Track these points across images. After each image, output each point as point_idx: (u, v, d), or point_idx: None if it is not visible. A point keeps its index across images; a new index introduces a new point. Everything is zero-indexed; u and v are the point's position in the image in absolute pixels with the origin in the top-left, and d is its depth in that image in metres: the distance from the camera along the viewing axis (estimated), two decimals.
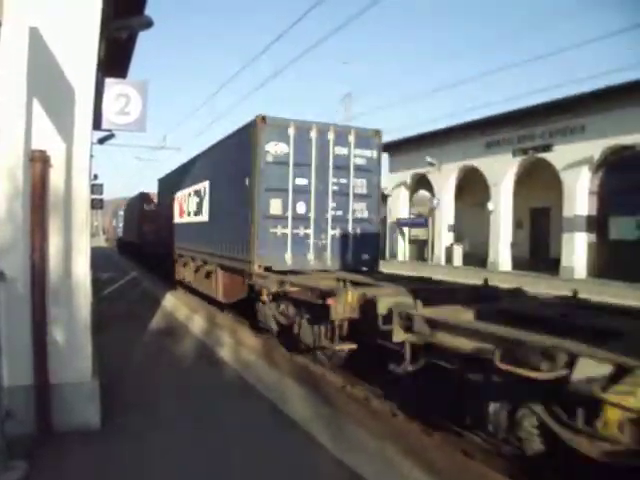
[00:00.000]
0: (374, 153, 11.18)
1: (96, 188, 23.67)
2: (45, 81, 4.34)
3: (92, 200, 23.68)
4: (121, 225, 44.41)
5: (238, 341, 9.07)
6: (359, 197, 11.00)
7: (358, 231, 11.04)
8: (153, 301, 13.88)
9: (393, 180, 36.44)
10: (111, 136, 21.38)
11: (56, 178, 4.41)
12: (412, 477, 4.00)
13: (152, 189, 27.46)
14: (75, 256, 4.53)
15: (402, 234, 36.32)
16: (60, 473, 3.91)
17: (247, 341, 9.33)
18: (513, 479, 4.42)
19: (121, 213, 42.18)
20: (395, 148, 35.53)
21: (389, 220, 37.04)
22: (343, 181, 10.79)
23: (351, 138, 10.78)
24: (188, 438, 4.66)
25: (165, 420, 5.11)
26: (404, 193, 36.12)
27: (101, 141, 22.02)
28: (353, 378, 7.79)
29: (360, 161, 10.94)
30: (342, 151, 10.74)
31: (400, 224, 35.93)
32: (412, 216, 37.21)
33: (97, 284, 15.80)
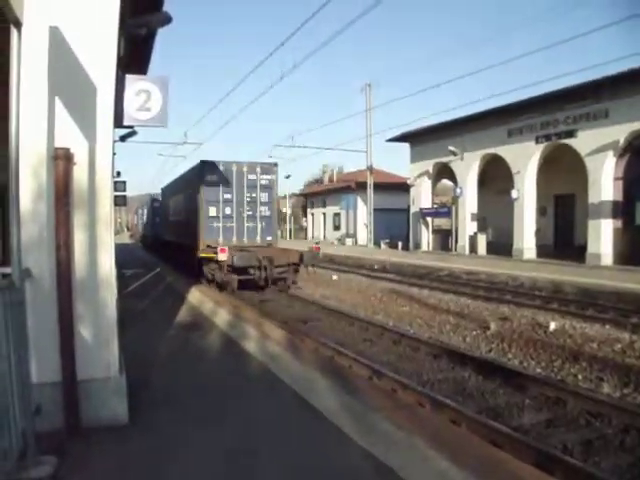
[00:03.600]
0: None
1: (119, 185, 23.79)
2: (66, 79, 4.35)
3: (115, 197, 23.91)
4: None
5: (263, 334, 9.10)
6: None
7: None
8: (178, 296, 13.96)
9: (415, 170, 36.49)
10: (133, 133, 21.49)
11: (79, 175, 4.43)
12: (439, 468, 3.96)
13: None
14: (100, 252, 4.55)
15: (426, 224, 36.22)
16: (89, 468, 3.95)
17: (272, 334, 9.36)
18: (543, 470, 4.36)
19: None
20: (416, 138, 35.62)
21: (412, 210, 37.04)
22: None
23: None
24: (216, 431, 4.68)
25: (193, 413, 5.14)
26: (427, 183, 36.20)
27: (122, 138, 22.18)
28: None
29: None
30: None
31: (423, 214, 35.81)
32: (435, 206, 37.12)
33: (121, 280, 15.96)
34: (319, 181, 73.08)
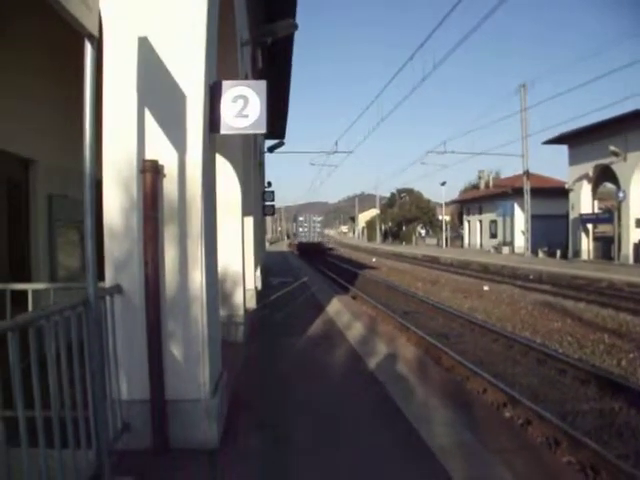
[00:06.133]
0: None
1: (267, 195, 24.52)
2: (154, 90, 4.26)
3: (264, 207, 24.82)
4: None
5: (393, 352, 8.60)
6: None
7: None
8: (317, 306, 13.83)
9: (574, 173, 33.99)
10: (280, 144, 22.24)
11: (169, 188, 4.31)
12: None
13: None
14: (190, 268, 4.39)
15: (585, 231, 33.49)
16: None
17: (405, 352, 8.85)
18: None
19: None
20: (575, 138, 33.08)
21: (571, 216, 34.57)
22: None
23: None
24: (312, 463, 4.33)
25: (292, 440, 4.80)
26: (586, 187, 33.58)
27: (271, 149, 22.97)
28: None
29: None
30: None
31: (583, 220, 33.17)
32: (598, 211, 34.33)
33: (265, 290, 16.24)
34: (475, 187, 70.74)
